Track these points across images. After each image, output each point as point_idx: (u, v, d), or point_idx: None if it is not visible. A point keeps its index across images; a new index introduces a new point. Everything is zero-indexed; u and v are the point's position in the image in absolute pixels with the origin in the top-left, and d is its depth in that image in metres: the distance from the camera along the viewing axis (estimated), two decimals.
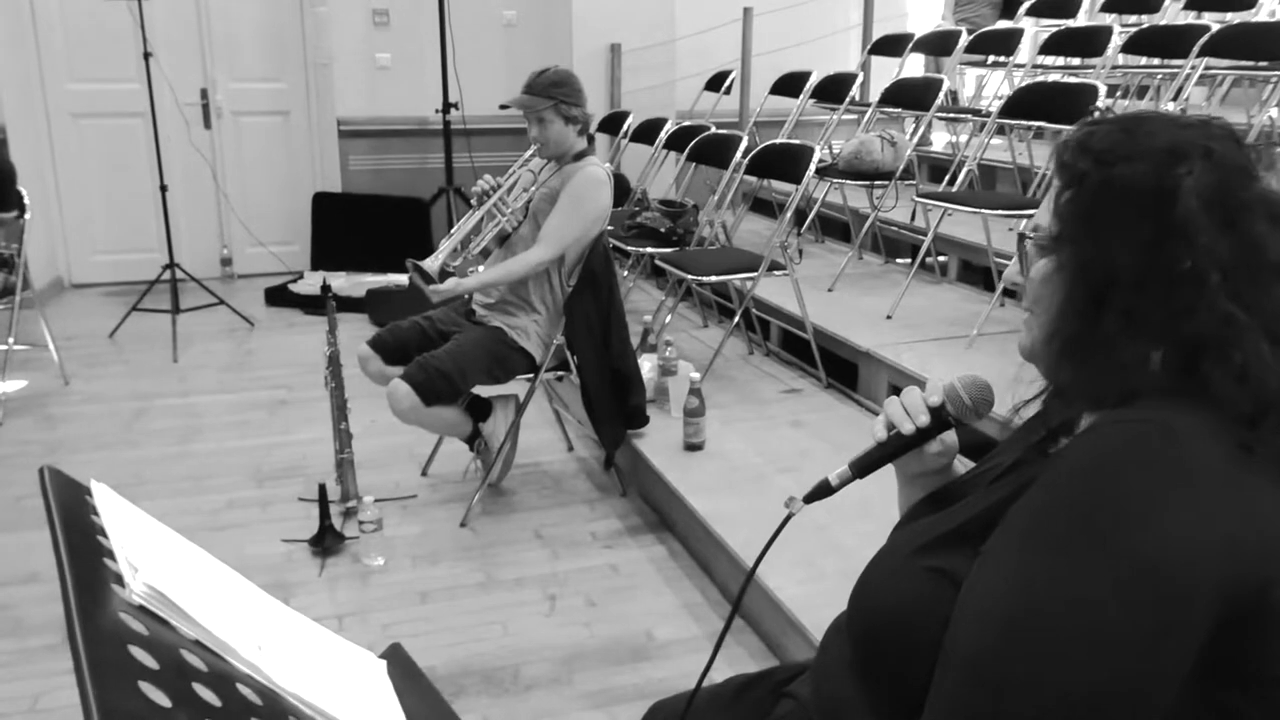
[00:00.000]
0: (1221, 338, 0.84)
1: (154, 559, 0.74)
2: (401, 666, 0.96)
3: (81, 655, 0.51)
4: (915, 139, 4.57)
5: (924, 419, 1.07)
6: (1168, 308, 0.85)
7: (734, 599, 2.61)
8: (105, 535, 0.74)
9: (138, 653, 0.57)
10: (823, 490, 1.09)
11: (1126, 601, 0.76)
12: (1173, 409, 0.83)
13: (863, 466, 1.09)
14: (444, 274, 2.86)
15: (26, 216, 4.10)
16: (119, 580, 0.68)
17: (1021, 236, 0.98)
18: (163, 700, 0.54)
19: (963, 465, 1.19)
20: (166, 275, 4.96)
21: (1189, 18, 5.18)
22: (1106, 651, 0.76)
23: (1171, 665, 0.76)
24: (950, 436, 1.12)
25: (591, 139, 3.13)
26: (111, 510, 0.79)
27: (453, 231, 2.96)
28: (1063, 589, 0.78)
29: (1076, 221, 0.90)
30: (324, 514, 2.87)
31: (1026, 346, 0.98)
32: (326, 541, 2.86)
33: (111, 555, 0.71)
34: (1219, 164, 0.87)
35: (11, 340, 3.99)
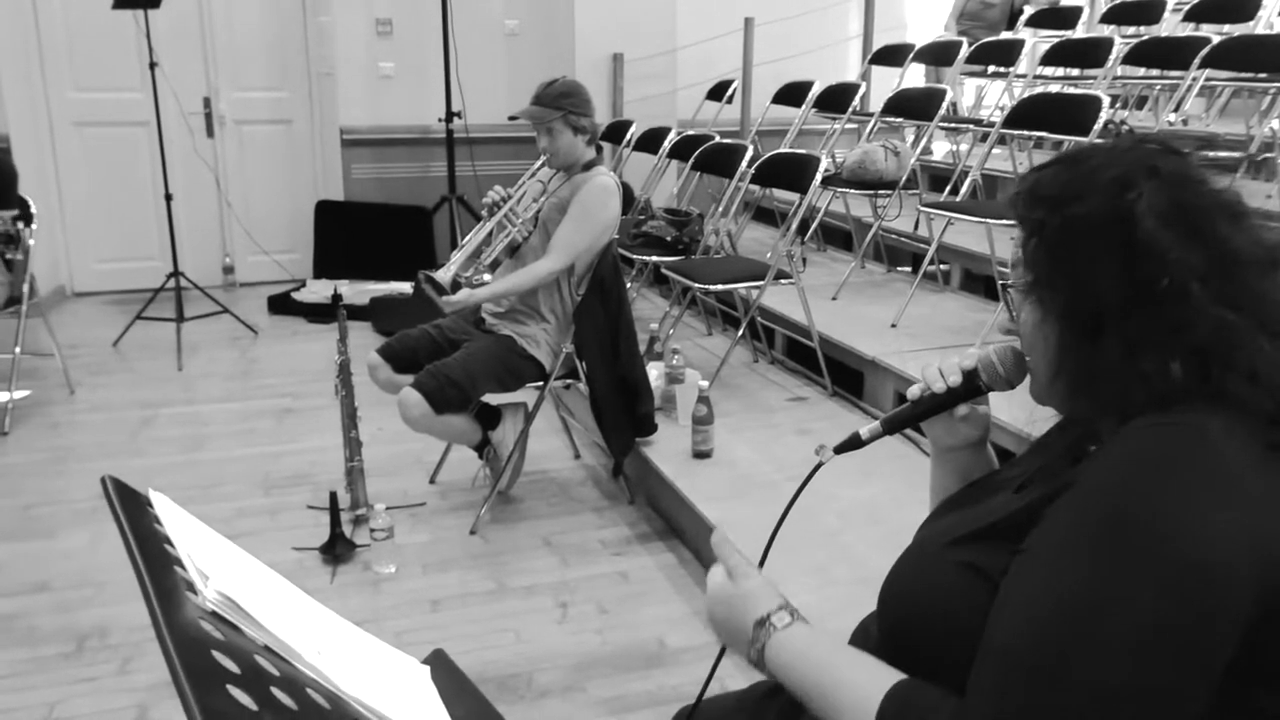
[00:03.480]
0: (1221, 342, 0.87)
1: (219, 566, 0.76)
2: (446, 672, 0.97)
3: (176, 662, 0.52)
4: (919, 149, 4.60)
5: (956, 379, 1.12)
6: (1162, 325, 0.88)
7: None
8: (170, 544, 0.76)
9: (220, 658, 0.58)
10: (853, 443, 1.15)
11: (1165, 600, 0.78)
12: (1204, 413, 0.85)
13: (894, 423, 1.14)
14: (455, 285, 2.88)
15: (33, 226, 4.09)
16: (190, 587, 0.70)
17: (1004, 287, 1.03)
18: (249, 703, 0.56)
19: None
20: (170, 283, 4.97)
21: (1188, 29, 5.22)
22: (1146, 649, 0.77)
23: (1208, 663, 0.78)
24: (983, 408, 1.17)
25: (600, 149, 3.15)
26: (172, 519, 0.80)
27: (464, 243, 2.97)
28: (1103, 588, 0.80)
29: (1047, 267, 0.94)
30: (335, 522, 2.88)
31: (1036, 392, 1.02)
32: (338, 549, 2.87)
33: (179, 563, 0.73)
34: (1167, 180, 0.90)
35: (18, 349, 3.99)
